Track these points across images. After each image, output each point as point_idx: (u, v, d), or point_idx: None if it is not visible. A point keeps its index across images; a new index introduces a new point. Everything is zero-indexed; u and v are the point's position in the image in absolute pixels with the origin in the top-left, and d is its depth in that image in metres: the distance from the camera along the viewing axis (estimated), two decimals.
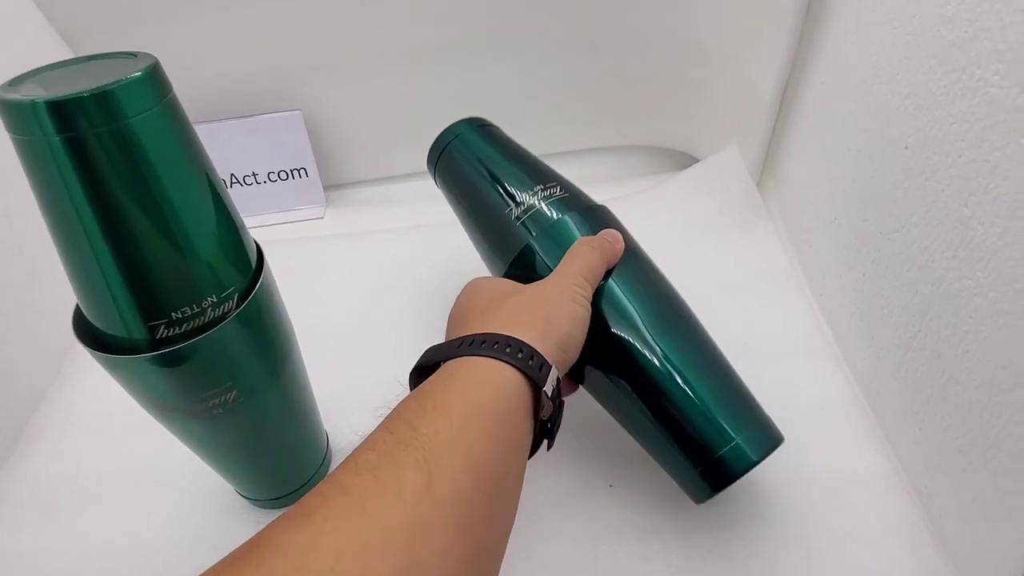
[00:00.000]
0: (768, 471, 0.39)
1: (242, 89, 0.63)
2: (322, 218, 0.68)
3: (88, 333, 0.30)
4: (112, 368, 0.30)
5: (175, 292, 0.28)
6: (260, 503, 0.41)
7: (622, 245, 0.36)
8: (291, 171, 0.67)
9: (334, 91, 0.64)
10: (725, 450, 0.32)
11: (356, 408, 0.44)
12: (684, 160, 0.65)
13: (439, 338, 0.44)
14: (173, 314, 0.28)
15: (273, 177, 0.67)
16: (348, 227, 0.66)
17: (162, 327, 0.28)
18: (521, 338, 0.28)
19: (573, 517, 0.39)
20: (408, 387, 0.31)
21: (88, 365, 0.52)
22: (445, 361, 0.28)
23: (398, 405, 0.26)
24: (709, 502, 0.34)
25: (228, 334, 0.30)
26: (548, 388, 0.28)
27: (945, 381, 0.33)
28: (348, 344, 0.51)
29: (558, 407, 0.29)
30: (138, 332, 0.28)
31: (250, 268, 0.31)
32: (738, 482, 0.36)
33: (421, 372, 0.30)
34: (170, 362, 0.29)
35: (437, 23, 0.60)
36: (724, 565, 0.36)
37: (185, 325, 0.29)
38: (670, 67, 0.56)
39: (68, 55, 0.58)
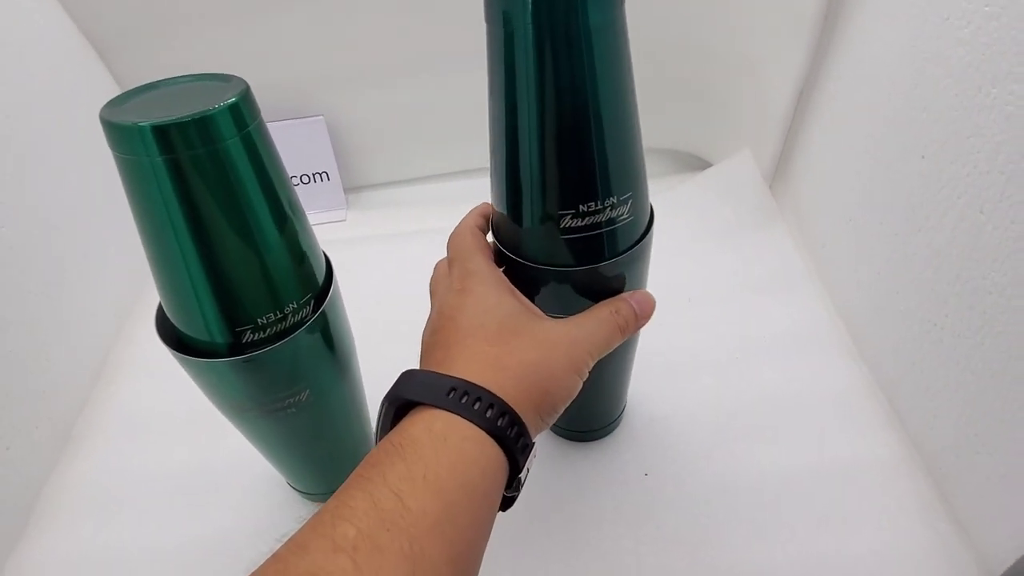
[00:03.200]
0: (792, 456, 0.43)
1: (268, 96, 0.64)
2: (344, 220, 0.70)
3: (172, 336, 0.32)
4: (197, 370, 0.32)
5: (261, 300, 0.30)
6: (312, 496, 0.43)
7: (649, 319, 0.33)
8: (314, 175, 0.69)
9: (355, 98, 0.66)
10: None
11: None
12: (696, 163, 0.67)
13: None
14: (259, 320, 0.30)
15: (296, 180, 0.69)
16: (370, 229, 0.68)
17: (248, 332, 0.30)
18: (518, 409, 0.26)
19: (607, 504, 0.41)
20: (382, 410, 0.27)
21: (128, 367, 0.54)
22: (433, 407, 0.25)
23: (377, 453, 0.24)
24: (741, 489, 0.36)
25: (306, 337, 0.32)
26: (524, 473, 0.27)
27: (960, 371, 0.36)
28: (378, 344, 0.53)
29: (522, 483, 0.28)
30: (226, 337, 0.30)
31: (322, 275, 0.33)
32: (766, 467, 0.39)
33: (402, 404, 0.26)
34: (255, 365, 0.31)
35: (454, 33, 0.62)
36: (759, 544, 0.38)
37: (269, 330, 0.31)
38: (686, 73, 0.59)
39: (99, 65, 0.60)
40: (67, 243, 0.52)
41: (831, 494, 0.40)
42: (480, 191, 0.70)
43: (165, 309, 0.32)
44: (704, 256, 0.56)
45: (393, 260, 0.62)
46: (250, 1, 0.58)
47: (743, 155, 0.59)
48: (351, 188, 0.72)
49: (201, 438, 0.49)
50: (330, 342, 0.34)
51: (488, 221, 0.35)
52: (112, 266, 0.58)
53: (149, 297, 0.61)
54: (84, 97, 0.57)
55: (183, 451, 0.48)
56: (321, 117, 0.66)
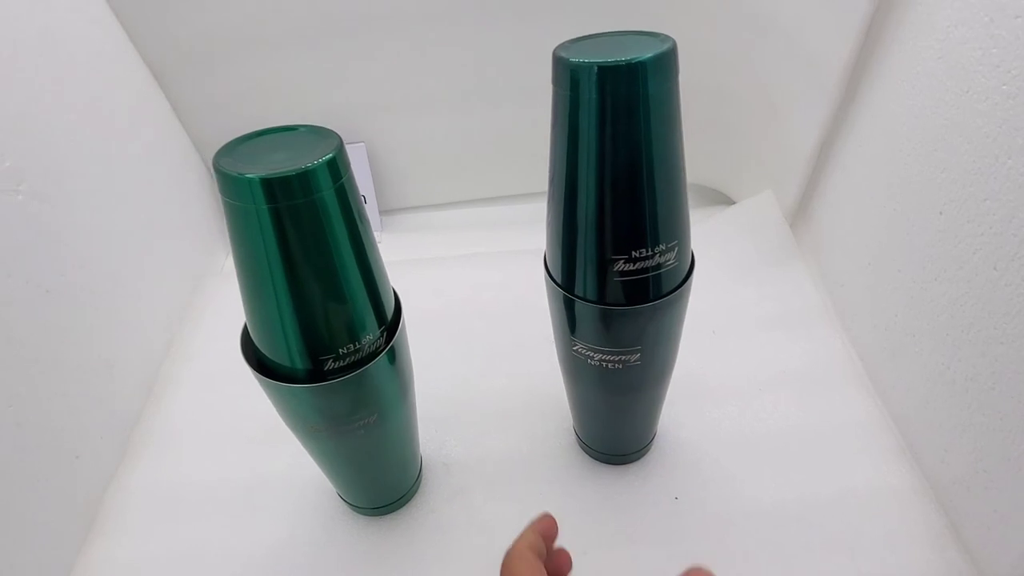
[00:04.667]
0: (810, 484, 0.45)
1: (312, 122, 0.68)
2: (380, 242, 0.73)
3: (255, 360, 0.35)
4: (279, 393, 0.35)
5: (343, 333, 0.33)
6: (363, 510, 0.46)
7: None
8: None
9: (392, 125, 0.70)
10: None
11: (434, 430, 0.50)
12: (718, 198, 0.71)
13: (495, 363, 0.50)
14: (340, 350, 0.33)
15: None
16: (403, 251, 0.72)
17: (329, 361, 0.33)
18: None
19: (640, 524, 0.44)
20: None
21: (178, 382, 0.57)
22: None
23: None
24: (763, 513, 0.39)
25: (379, 366, 0.35)
26: None
27: (971, 412, 0.39)
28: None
29: None
30: (308, 364, 0.33)
31: (391, 308, 0.37)
32: (786, 494, 0.42)
33: None
34: (333, 391, 0.34)
35: (488, 68, 0.66)
36: (780, 566, 0.41)
37: (347, 359, 0.34)
38: (714, 114, 0.62)
39: (154, 86, 0.63)
40: (123, 265, 0.55)
41: (847, 520, 0.43)
42: (508, 216, 0.75)
43: (252, 336, 0.35)
44: (728, 290, 0.59)
45: (426, 281, 0.65)
46: (298, 33, 0.61)
47: (766, 195, 0.63)
48: (385, 210, 0.76)
49: (250, 451, 0.51)
50: (397, 370, 0.38)
51: (546, 538, 0.35)
52: (162, 287, 0.61)
53: (196, 315, 0.64)
54: (140, 118, 0.60)
55: (233, 463, 0.51)
56: (363, 144, 0.69)
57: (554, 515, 0.45)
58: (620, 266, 0.34)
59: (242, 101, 0.66)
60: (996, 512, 0.38)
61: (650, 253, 0.33)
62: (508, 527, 0.45)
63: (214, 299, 0.67)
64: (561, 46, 0.32)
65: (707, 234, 0.64)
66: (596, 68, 0.29)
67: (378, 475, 0.43)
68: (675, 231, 0.34)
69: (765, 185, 0.64)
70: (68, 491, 0.45)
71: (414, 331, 0.60)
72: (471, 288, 0.65)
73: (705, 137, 0.65)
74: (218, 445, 0.52)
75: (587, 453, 0.49)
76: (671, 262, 0.34)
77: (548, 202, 0.36)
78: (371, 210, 0.73)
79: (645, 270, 0.34)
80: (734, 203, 0.70)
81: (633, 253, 0.33)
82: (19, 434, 0.41)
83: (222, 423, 0.54)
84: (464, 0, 0.60)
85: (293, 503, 0.48)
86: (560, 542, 0.44)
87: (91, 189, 0.51)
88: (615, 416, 0.44)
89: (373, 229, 0.73)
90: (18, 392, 0.41)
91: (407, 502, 0.47)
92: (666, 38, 0.30)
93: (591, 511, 0.45)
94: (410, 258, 0.69)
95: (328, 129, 0.33)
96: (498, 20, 0.61)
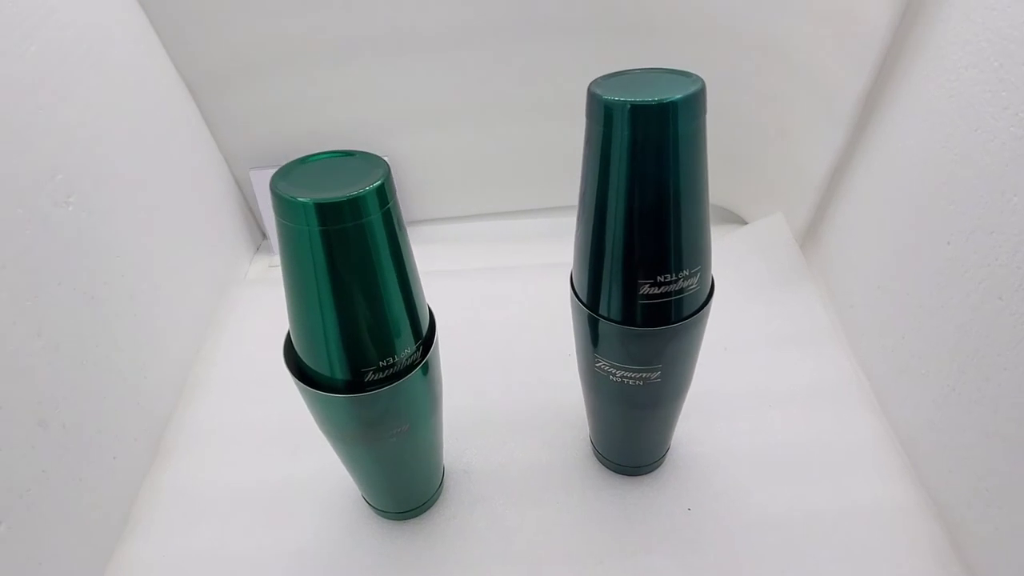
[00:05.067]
0: (817, 498, 0.47)
1: (338, 136, 0.70)
2: None
3: (297, 368, 0.37)
4: (319, 402, 0.37)
5: (383, 346, 0.35)
6: (387, 515, 0.48)
7: None
8: None
9: (416, 139, 0.72)
10: None
11: (455, 438, 0.53)
12: (729, 217, 0.73)
13: (514, 374, 0.52)
14: (380, 362, 0.35)
15: None
16: (423, 262, 0.73)
17: (370, 373, 0.35)
18: None
19: (654, 534, 0.46)
20: None
21: (206, 386, 0.59)
22: None
23: None
24: (772, 526, 0.41)
25: (415, 378, 0.37)
26: None
27: (975, 433, 0.41)
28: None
29: None
30: (348, 376, 0.35)
31: (427, 324, 0.39)
32: (795, 507, 0.44)
33: None
34: (371, 401, 0.36)
35: (508, 84, 0.68)
36: None
37: (386, 371, 0.36)
38: (727, 136, 0.64)
39: (190, 102, 0.65)
40: (158, 273, 0.57)
41: (852, 535, 0.45)
42: (529, 230, 0.77)
43: (296, 346, 0.37)
44: (739, 309, 0.61)
45: (446, 292, 0.67)
46: (326, 53, 0.64)
47: (776, 218, 0.65)
48: (407, 222, 0.78)
49: (276, 454, 0.53)
50: (430, 382, 0.39)
51: None
52: (192, 294, 0.63)
53: (222, 322, 0.66)
54: (176, 132, 0.63)
55: (259, 466, 0.52)
56: (386, 158, 0.71)
57: (571, 523, 0.47)
58: (646, 290, 0.36)
59: (271, 117, 0.68)
60: (998, 530, 0.40)
61: (674, 278, 0.35)
62: (527, 533, 0.47)
63: (238, 306, 0.69)
64: (595, 82, 0.34)
65: (720, 254, 0.65)
66: (629, 106, 0.31)
67: (405, 481, 0.45)
68: (698, 257, 0.36)
69: (776, 207, 0.66)
70: (105, 491, 0.47)
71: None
72: (490, 300, 0.67)
73: (720, 159, 0.67)
74: (244, 448, 0.54)
75: (603, 464, 0.50)
76: (693, 286, 0.36)
77: (577, 226, 0.38)
78: None
79: (668, 294, 0.36)
80: (746, 223, 0.72)
81: (658, 278, 0.35)
82: (64, 435, 0.43)
83: (248, 427, 0.56)
84: (486, 21, 0.62)
85: (318, 506, 0.49)
86: (577, 549, 0.46)
87: (131, 200, 0.53)
88: (633, 429, 0.46)
89: None
90: (65, 395, 0.43)
91: (430, 507, 0.49)
92: (696, 79, 0.32)
93: (607, 520, 0.47)
94: (429, 269, 0.71)
95: (377, 156, 0.35)
96: (520, 39, 0.64)
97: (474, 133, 0.72)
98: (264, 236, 0.81)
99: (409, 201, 0.77)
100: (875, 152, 0.52)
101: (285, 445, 0.54)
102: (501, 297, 0.67)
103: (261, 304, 0.69)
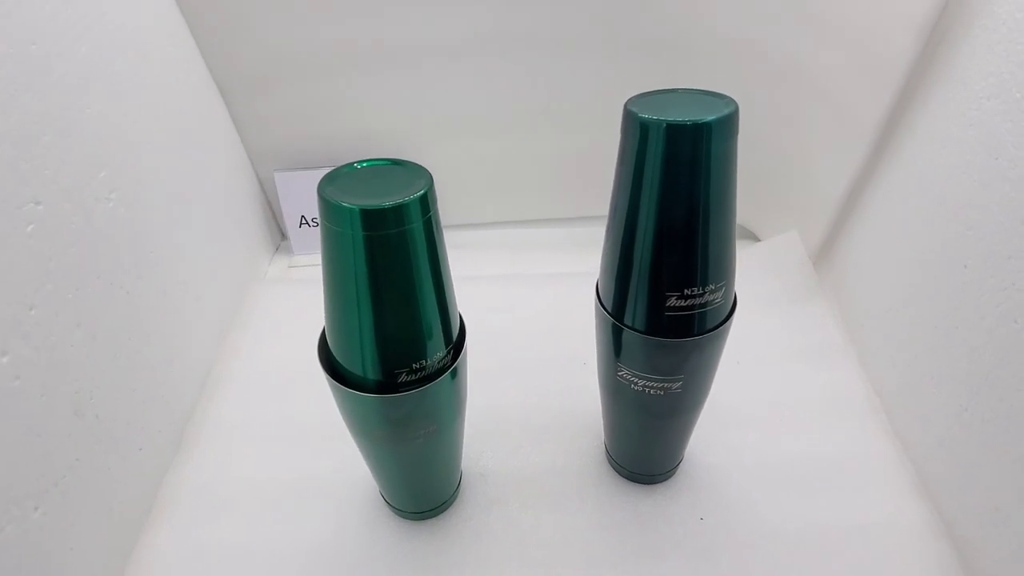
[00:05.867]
0: (827, 512, 0.48)
1: (363, 142, 0.72)
2: None
3: (330, 367, 0.38)
4: (351, 400, 0.38)
5: (417, 350, 0.36)
6: (405, 514, 0.49)
7: None
8: None
9: (443, 146, 0.73)
10: None
11: (472, 441, 0.53)
12: (742, 233, 0.74)
13: (532, 380, 0.52)
14: (414, 364, 0.36)
15: None
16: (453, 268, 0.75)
17: (403, 375, 0.36)
18: None
19: (667, 542, 0.47)
20: None
21: (228, 382, 0.60)
22: None
23: None
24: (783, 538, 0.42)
25: (445, 382, 0.38)
26: None
27: (987, 453, 0.42)
28: None
29: None
30: (382, 376, 0.36)
31: (457, 328, 0.40)
32: (806, 520, 0.45)
33: None
34: (402, 402, 0.37)
35: (537, 95, 0.69)
36: None
37: (419, 373, 0.37)
38: (747, 156, 0.65)
39: (220, 103, 0.67)
40: (186, 269, 0.58)
41: (862, 550, 0.46)
42: (554, 238, 0.78)
43: (330, 345, 0.38)
44: (752, 324, 0.62)
45: (469, 297, 0.68)
46: (356, 59, 0.65)
47: (791, 236, 0.66)
48: None
49: (296, 451, 0.54)
50: (458, 386, 0.41)
51: None
52: (216, 291, 0.64)
53: (244, 319, 0.68)
54: (206, 133, 0.64)
55: (279, 462, 0.53)
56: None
57: (586, 528, 0.48)
58: (672, 302, 0.37)
59: (298, 120, 0.70)
60: (1009, 550, 0.40)
61: (701, 291, 0.37)
62: (542, 536, 0.48)
63: (259, 305, 0.70)
64: (631, 100, 0.35)
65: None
66: (664, 125, 0.32)
67: (426, 482, 0.46)
68: (724, 272, 0.37)
69: (791, 225, 0.67)
70: (131, 482, 0.48)
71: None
72: (510, 306, 0.68)
73: (739, 176, 0.68)
74: (264, 444, 0.55)
75: (617, 471, 0.51)
76: (718, 300, 0.37)
77: (606, 237, 0.39)
78: None
79: (693, 307, 0.37)
80: (759, 240, 0.73)
81: (685, 291, 0.36)
82: (97, 426, 0.44)
83: (268, 423, 0.57)
84: (515, 35, 0.64)
85: (337, 504, 0.50)
86: (591, 554, 0.47)
87: (164, 197, 0.55)
88: (650, 438, 0.47)
89: None
90: (99, 386, 0.44)
91: (447, 509, 0.50)
92: (730, 101, 0.34)
93: (621, 526, 0.48)
94: (452, 274, 0.73)
95: (421, 166, 0.36)
96: (548, 53, 0.65)
97: (500, 143, 0.73)
98: (283, 237, 0.82)
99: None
100: (892, 175, 0.54)
101: (305, 442, 0.55)
102: (520, 303, 0.68)
103: (281, 303, 0.70)
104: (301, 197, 0.76)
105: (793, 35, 0.58)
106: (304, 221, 0.77)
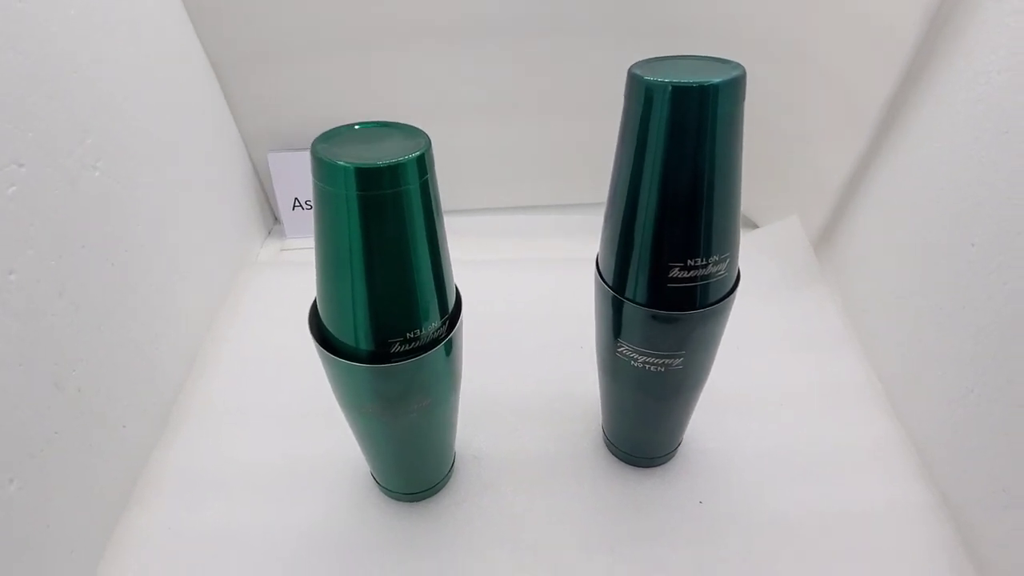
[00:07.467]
0: (829, 497, 0.47)
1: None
2: None
3: (321, 337, 0.37)
4: (343, 371, 0.37)
5: (411, 318, 0.35)
6: (397, 495, 0.48)
7: None
8: None
9: (439, 130, 0.72)
10: None
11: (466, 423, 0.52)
12: (745, 222, 0.73)
13: (528, 364, 0.51)
14: (408, 334, 0.35)
15: None
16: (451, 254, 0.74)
17: (396, 344, 0.35)
18: None
19: (666, 525, 0.46)
20: None
21: (215, 363, 0.59)
22: None
23: None
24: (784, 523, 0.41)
25: (439, 353, 0.37)
26: None
27: (992, 434, 0.41)
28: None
29: None
30: (374, 346, 0.35)
31: (453, 300, 0.39)
32: (807, 505, 0.44)
33: None
34: (395, 372, 0.36)
35: (538, 79, 0.68)
36: (795, 574, 0.43)
37: (413, 343, 0.36)
38: (748, 140, 0.65)
39: (213, 81, 0.65)
40: (174, 247, 0.57)
41: (864, 533, 0.45)
42: (552, 225, 0.77)
43: (322, 314, 0.36)
44: (752, 309, 0.61)
45: (466, 282, 0.67)
46: (354, 40, 0.64)
47: (791, 221, 0.65)
48: None
49: (284, 433, 0.53)
50: (453, 359, 0.39)
51: None
52: (205, 272, 0.63)
53: (234, 301, 0.66)
54: (199, 111, 0.63)
55: (267, 444, 0.52)
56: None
57: (581, 511, 0.47)
58: (675, 273, 0.36)
59: (292, 101, 0.69)
60: (1012, 531, 0.40)
61: (704, 263, 0.35)
62: (536, 519, 0.47)
63: (250, 287, 0.68)
64: (637, 64, 0.34)
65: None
66: (670, 87, 0.31)
67: (418, 462, 0.45)
68: (728, 244, 0.36)
69: (792, 210, 0.67)
70: (114, 459, 0.47)
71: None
72: (508, 290, 0.67)
73: None
74: (254, 426, 0.54)
75: (614, 454, 0.50)
76: (722, 272, 0.36)
77: (608, 207, 0.38)
78: None
79: (696, 278, 0.36)
80: (757, 227, 0.72)
81: (689, 262, 0.35)
82: (78, 399, 0.43)
83: (257, 405, 0.55)
84: (514, 16, 0.63)
85: (327, 486, 0.49)
86: (586, 537, 0.46)
87: (153, 172, 0.53)
88: (648, 418, 0.46)
89: None
90: (81, 358, 0.43)
91: (439, 491, 0.48)
92: (736, 65, 0.33)
93: (617, 509, 0.47)
94: (451, 258, 0.72)
95: (419, 129, 0.35)
96: (548, 36, 0.64)
97: (499, 127, 0.72)
98: (276, 220, 0.81)
99: None
100: (897, 156, 0.53)
101: (295, 424, 0.53)
102: (519, 288, 0.67)
103: (273, 286, 0.69)
104: (294, 179, 0.74)
105: (794, 14, 0.57)
106: (297, 204, 0.76)
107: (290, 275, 0.70)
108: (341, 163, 0.31)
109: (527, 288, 0.67)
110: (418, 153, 0.32)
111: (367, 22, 0.63)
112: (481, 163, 0.75)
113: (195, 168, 0.61)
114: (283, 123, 0.71)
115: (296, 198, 0.76)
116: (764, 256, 0.65)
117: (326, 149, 0.32)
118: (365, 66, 0.66)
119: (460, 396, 0.44)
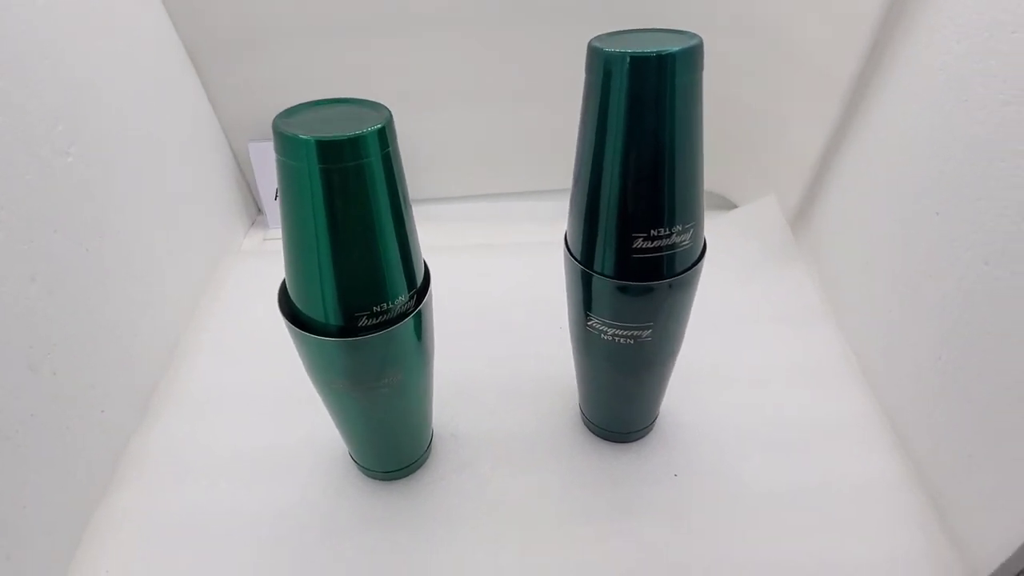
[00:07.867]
0: (803, 469, 0.48)
1: None
2: None
3: (291, 313, 0.37)
4: (312, 346, 0.37)
5: (378, 291, 0.35)
6: (374, 474, 0.48)
7: None
8: None
9: (415, 118, 0.72)
10: None
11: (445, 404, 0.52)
12: (719, 202, 0.74)
13: (505, 346, 0.52)
14: (375, 307, 0.36)
15: None
16: (421, 240, 0.74)
17: (364, 318, 0.36)
18: None
19: (641, 498, 0.47)
20: None
21: (196, 351, 0.59)
22: None
23: None
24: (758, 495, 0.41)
25: (408, 326, 0.37)
26: None
27: (960, 400, 0.41)
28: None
29: None
30: (342, 320, 0.36)
31: (422, 275, 0.39)
32: (781, 477, 0.44)
33: None
34: (364, 345, 0.36)
35: (511, 66, 0.69)
36: (771, 544, 0.44)
37: (380, 318, 0.36)
38: (720, 121, 0.65)
39: (190, 69, 0.65)
40: (152, 234, 0.57)
41: (838, 504, 0.46)
42: (528, 211, 0.77)
43: (290, 291, 0.37)
44: (729, 287, 0.62)
45: (443, 268, 0.67)
46: (332, 25, 0.64)
47: (768, 200, 0.66)
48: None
49: (263, 418, 0.53)
50: (423, 333, 0.40)
51: None
52: (185, 260, 0.63)
53: (215, 290, 0.66)
54: (176, 98, 0.63)
55: (246, 429, 0.52)
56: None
57: (558, 486, 0.48)
58: (639, 244, 0.36)
59: (271, 90, 0.69)
60: (980, 496, 0.40)
61: (667, 232, 0.36)
62: (514, 495, 0.47)
63: (231, 276, 0.69)
64: (596, 38, 0.34)
65: (712, 235, 0.66)
66: (628, 58, 0.31)
67: (393, 438, 0.45)
68: (692, 213, 0.36)
69: (768, 190, 0.67)
70: (92, 443, 0.47)
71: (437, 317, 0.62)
72: (483, 275, 0.67)
73: (711, 143, 0.68)
74: (233, 412, 0.54)
75: (591, 431, 0.51)
76: (686, 243, 0.37)
77: (573, 182, 0.38)
78: None
79: (660, 248, 0.36)
80: (735, 207, 0.73)
81: (652, 232, 0.36)
82: (54, 382, 0.43)
83: (237, 392, 0.56)
84: (489, 4, 0.63)
85: (307, 467, 0.49)
86: (563, 511, 0.46)
87: (129, 160, 0.54)
88: (622, 393, 0.46)
89: None
90: (56, 342, 0.43)
91: (417, 469, 0.49)
92: (693, 35, 0.33)
93: (594, 484, 0.48)
94: (425, 246, 0.72)
95: (381, 104, 0.35)
96: (519, 24, 0.64)
97: (474, 115, 0.73)
98: (259, 211, 0.81)
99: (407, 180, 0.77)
100: (867, 131, 0.53)
101: (274, 410, 0.54)
102: (495, 273, 0.68)
103: (255, 275, 0.69)
104: (276, 168, 0.74)
105: None
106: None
107: (273, 264, 0.69)
108: (303, 136, 0.31)
109: (504, 273, 0.68)
110: (379, 126, 0.32)
111: (345, 11, 0.63)
112: (455, 151, 0.75)
113: (173, 157, 0.61)
114: (263, 113, 0.71)
115: (278, 188, 0.76)
116: (742, 236, 0.66)
117: (288, 123, 0.32)
118: (341, 55, 0.66)
119: (434, 374, 0.45)
